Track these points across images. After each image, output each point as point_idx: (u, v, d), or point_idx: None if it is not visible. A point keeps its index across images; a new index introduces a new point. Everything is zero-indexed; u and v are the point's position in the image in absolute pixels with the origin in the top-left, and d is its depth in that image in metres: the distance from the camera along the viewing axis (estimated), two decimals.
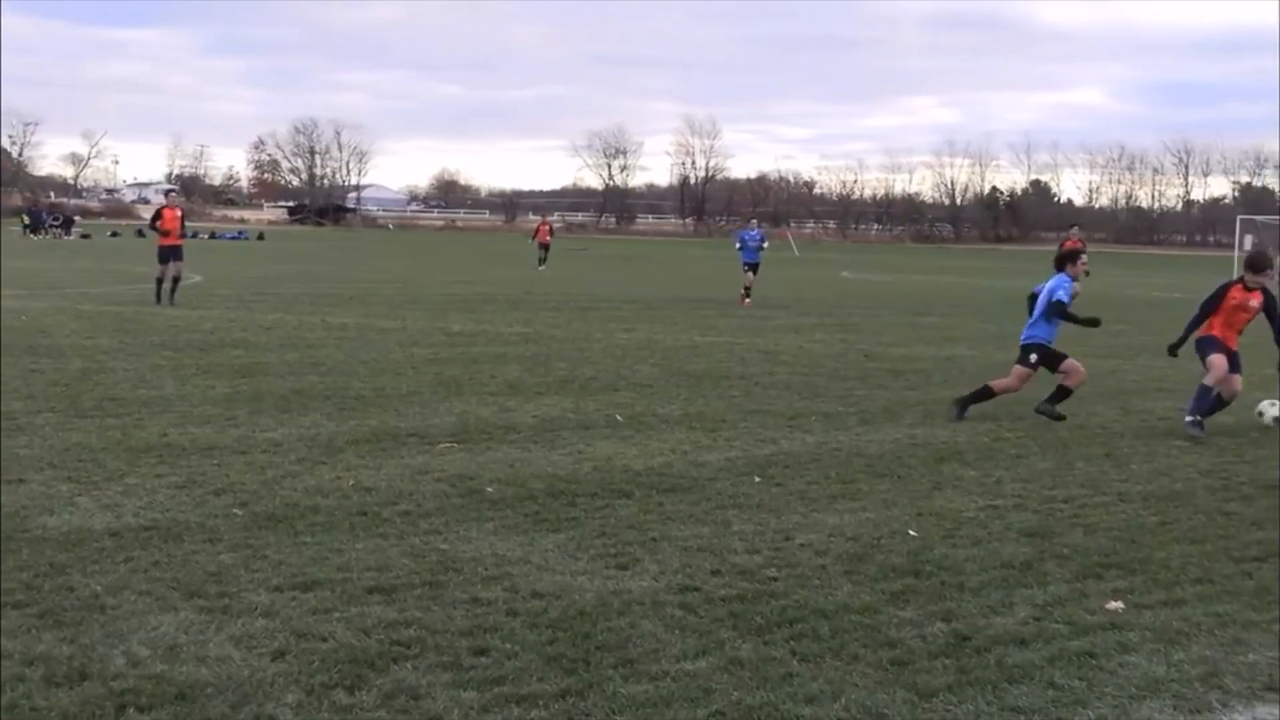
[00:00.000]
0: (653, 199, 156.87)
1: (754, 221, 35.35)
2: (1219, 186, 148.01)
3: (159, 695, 5.02)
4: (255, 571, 6.74)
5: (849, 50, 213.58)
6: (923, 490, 9.36)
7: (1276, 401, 12.68)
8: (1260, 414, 12.64)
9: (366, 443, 10.49)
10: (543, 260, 46.70)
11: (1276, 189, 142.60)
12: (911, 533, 8.01)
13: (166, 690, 5.08)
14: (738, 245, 31.71)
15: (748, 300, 29.25)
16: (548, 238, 48.90)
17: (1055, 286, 12.57)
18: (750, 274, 30.36)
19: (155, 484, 8.73)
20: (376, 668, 5.41)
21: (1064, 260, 12.83)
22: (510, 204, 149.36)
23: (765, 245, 31.86)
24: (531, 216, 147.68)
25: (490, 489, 8.88)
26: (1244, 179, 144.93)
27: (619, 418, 12.17)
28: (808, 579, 6.93)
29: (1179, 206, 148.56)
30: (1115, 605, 6.58)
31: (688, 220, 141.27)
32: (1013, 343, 13.73)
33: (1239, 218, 75.51)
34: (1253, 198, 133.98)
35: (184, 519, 7.80)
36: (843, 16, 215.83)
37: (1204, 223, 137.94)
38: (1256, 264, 12.47)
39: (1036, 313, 12.72)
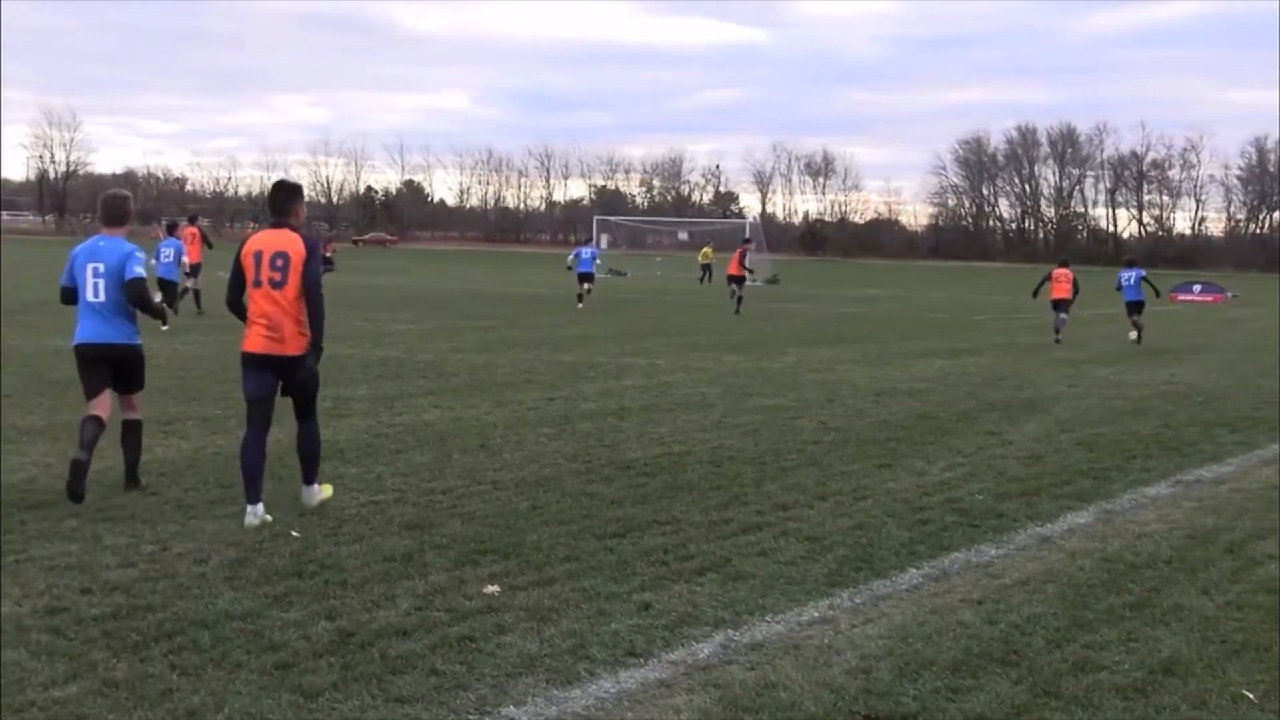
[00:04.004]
0: (8, 195, 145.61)
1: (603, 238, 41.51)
2: (577, 189, 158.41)
3: None
4: None
5: (211, 45, 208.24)
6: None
7: None
8: None
9: None
10: None
11: (628, 191, 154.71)
12: (294, 534, 7.96)
13: None
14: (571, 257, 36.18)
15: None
16: None
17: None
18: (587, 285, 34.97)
19: None
20: None
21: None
22: None
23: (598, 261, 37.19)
24: None
25: None
26: (599, 182, 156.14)
27: None
28: (187, 589, 6.72)
29: (543, 207, 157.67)
30: (491, 589, 6.89)
31: (48, 218, 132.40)
32: (379, 340, 13.93)
33: (596, 217, 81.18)
34: (608, 199, 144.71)
35: None
36: (202, 10, 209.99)
37: (565, 222, 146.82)
38: None
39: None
